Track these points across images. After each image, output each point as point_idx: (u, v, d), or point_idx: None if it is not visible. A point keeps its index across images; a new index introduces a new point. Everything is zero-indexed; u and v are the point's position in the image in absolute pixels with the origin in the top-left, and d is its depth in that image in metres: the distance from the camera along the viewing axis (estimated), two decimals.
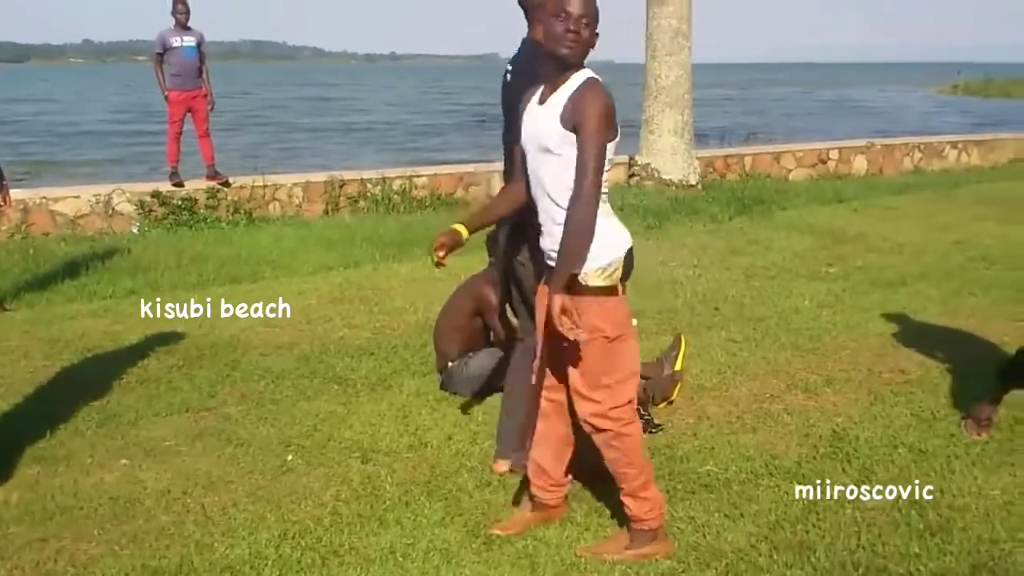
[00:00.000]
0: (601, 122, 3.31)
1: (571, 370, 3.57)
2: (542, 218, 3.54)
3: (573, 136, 3.35)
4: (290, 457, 4.51)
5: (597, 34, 3.46)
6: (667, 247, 9.18)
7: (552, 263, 3.46)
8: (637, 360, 3.67)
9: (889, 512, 3.96)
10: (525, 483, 3.96)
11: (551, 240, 3.48)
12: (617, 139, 3.43)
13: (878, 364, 5.83)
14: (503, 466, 4.33)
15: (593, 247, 3.38)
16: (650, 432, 4.78)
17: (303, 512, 3.97)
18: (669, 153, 12.42)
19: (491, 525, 3.84)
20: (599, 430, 3.57)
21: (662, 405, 5.07)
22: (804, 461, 4.46)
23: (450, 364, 5.30)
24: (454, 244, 3.72)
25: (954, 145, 16.94)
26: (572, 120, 3.35)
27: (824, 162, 15.26)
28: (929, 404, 5.14)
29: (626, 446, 3.59)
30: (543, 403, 3.76)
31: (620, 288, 3.50)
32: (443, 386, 5.35)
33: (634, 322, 3.63)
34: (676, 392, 5.14)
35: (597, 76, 3.45)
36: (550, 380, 3.71)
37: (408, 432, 4.78)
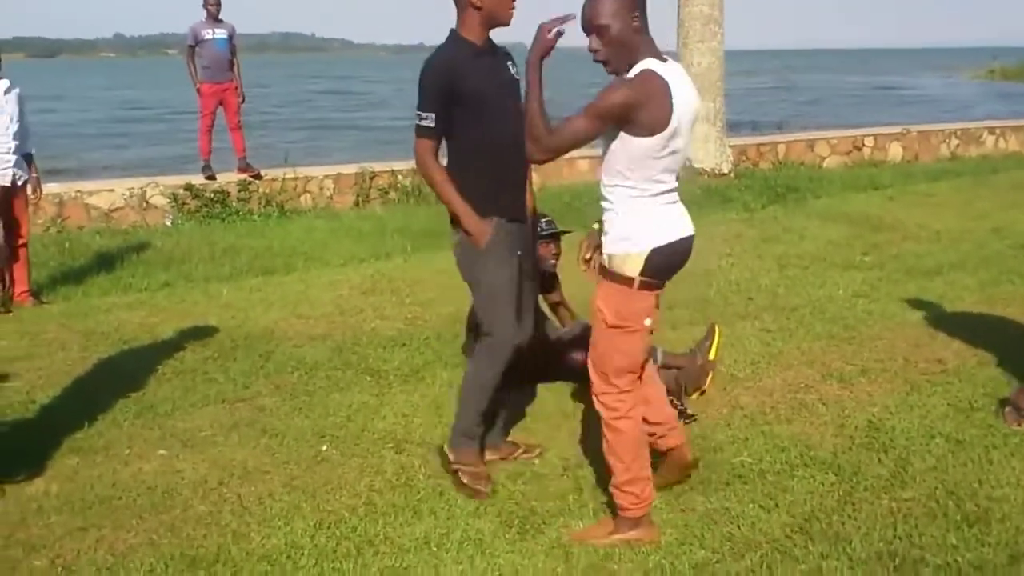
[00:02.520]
0: (603, 98, 3.32)
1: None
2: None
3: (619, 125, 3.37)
4: (324, 447, 4.54)
5: (609, 26, 3.37)
6: (700, 236, 8.83)
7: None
8: (636, 358, 3.65)
9: (926, 503, 3.92)
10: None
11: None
12: (668, 129, 3.36)
13: (914, 354, 5.77)
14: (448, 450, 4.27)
15: (620, 231, 3.45)
16: (684, 422, 4.75)
17: (338, 502, 3.99)
18: (701, 141, 12.34)
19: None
20: (600, 412, 3.66)
21: (695, 395, 5.05)
22: (840, 452, 4.42)
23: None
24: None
25: (991, 131, 16.69)
26: None
27: (859, 149, 15.09)
28: (966, 394, 5.08)
29: (614, 438, 3.63)
30: None
31: (636, 282, 3.49)
32: None
33: (648, 322, 3.60)
34: (709, 382, 5.12)
35: (648, 69, 3.36)
36: None
37: (441, 423, 4.78)
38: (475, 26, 3.94)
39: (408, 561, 3.52)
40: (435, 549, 3.60)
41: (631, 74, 3.38)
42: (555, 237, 5.34)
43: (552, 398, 5.13)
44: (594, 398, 3.66)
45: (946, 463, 4.28)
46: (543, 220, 5.14)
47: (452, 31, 3.99)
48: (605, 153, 3.49)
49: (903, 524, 3.75)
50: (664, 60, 3.43)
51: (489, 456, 4.31)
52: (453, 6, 3.96)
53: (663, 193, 3.50)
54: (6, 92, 6.87)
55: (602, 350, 3.59)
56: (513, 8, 3.97)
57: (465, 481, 4.09)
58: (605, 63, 3.44)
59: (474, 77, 3.91)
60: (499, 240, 3.99)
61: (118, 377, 5.45)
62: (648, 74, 3.35)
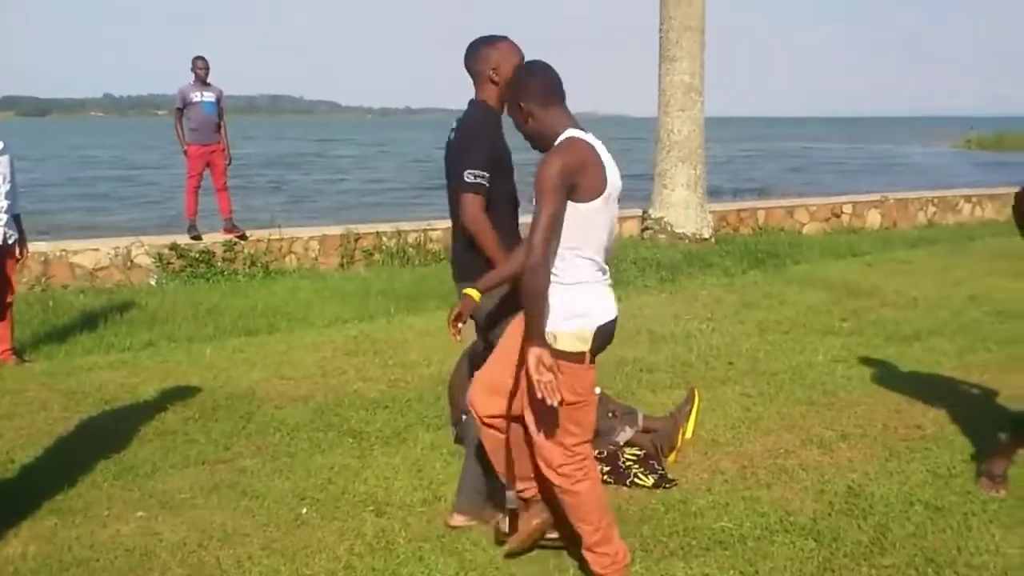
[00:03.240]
0: (545, 180, 3.37)
1: (531, 420, 3.64)
2: None
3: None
4: (304, 510, 4.52)
5: (520, 107, 3.64)
6: (680, 300, 9.20)
7: None
8: (592, 424, 3.72)
9: (905, 570, 3.93)
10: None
11: None
12: (605, 192, 3.49)
13: (893, 419, 5.80)
14: (458, 520, 4.33)
15: (566, 310, 3.47)
16: (664, 487, 4.77)
17: (317, 566, 3.97)
18: (682, 207, 12.49)
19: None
20: (551, 483, 3.66)
21: (673, 458, 5.04)
22: (819, 517, 4.43)
23: (464, 417, 5.29)
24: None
25: (968, 199, 16.97)
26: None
27: (838, 216, 15.30)
28: (945, 460, 5.11)
29: (576, 502, 3.66)
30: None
31: (588, 357, 3.54)
32: (457, 439, 5.34)
33: (597, 390, 3.76)
34: (680, 439, 5.10)
35: (574, 136, 3.54)
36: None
37: (422, 486, 4.78)
38: (494, 96, 4.21)
39: None
40: None
41: (556, 143, 3.54)
42: None
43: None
44: (550, 473, 3.65)
45: (925, 530, 4.29)
46: None
47: (480, 100, 4.26)
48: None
49: None
50: (584, 130, 3.59)
51: (459, 520, 4.33)
52: (464, 77, 4.30)
53: (604, 271, 3.62)
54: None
55: (560, 426, 3.59)
56: None
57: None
58: (530, 140, 3.70)
59: (503, 142, 4.24)
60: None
61: (99, 437, 5.42)
62: (574, 139, 3.52)
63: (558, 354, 3.44)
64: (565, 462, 3.62)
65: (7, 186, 6.94)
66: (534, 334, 3.36)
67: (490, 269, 4.08)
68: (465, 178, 4.06)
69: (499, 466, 3.93)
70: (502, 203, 4.23)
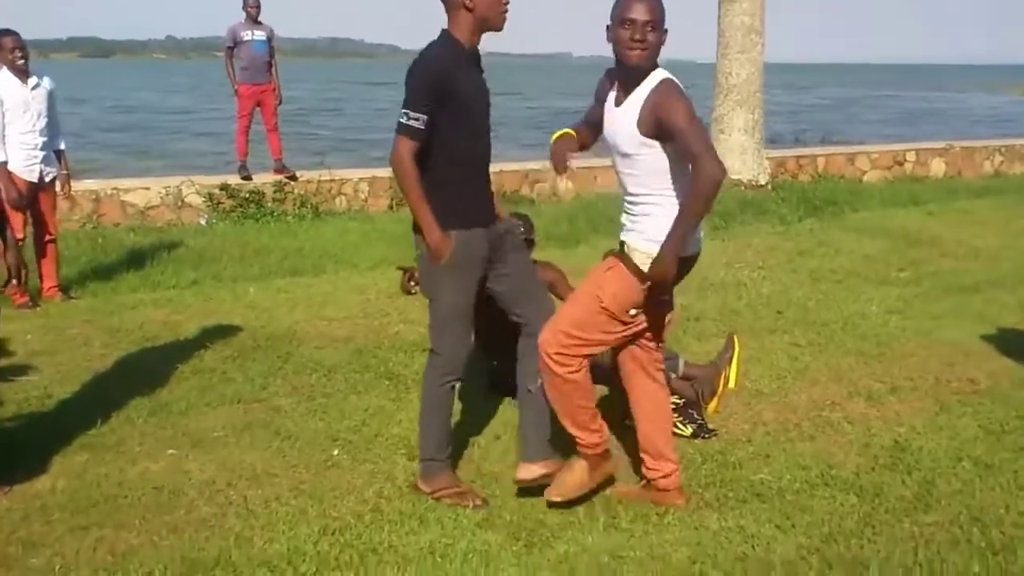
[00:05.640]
0: (689, 113, 3.47)
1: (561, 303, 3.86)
2: (624, 205, 3.80)
3: (650, 141, 3.55)
4: (336, 452, 4.49)
5: (666, 31, 3.58)
6: (733, 248, 9.01)
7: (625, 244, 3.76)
8: (608, 340, 3.80)
9: (949, 528, 3.80)
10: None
11: (625, 228, 3.78)
12: None
13: (946, 373, 5.63)
14: (530, 471, 4.03)
15: (655, 230, 3.59)
16: (703, 437, 4.66)
17: (345, 508, 3.94)
18: (738, 152, 12.21)
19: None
20: (548, 366, 3.71)
21: (713, 406, 4.86)
22: (862, 472, 4.31)
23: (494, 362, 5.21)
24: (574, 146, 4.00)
25: None
26: (654, 127, 3.53)
27: (900, 164, 14.90)
28: (998, 416, 4.94)
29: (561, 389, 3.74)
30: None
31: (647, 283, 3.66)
32: (493, 384, 5.26)
33: (632, 312, 3.73)
34: (722, 385, 4.94)
35: (671, 76, 3.57)
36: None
37: (456, 430, 4.70)
38: (466, 29, 3.80)
39: (411, 571, 3.46)
40: (439, 560, 3.53)
41: (652, 85, 3.57)
42: (529, 243, 5.24)
43: None
44: (548, 357, 3.68)
45: (973, 487, 4.16)
46: (518, 224, 5.03)
47: (444, 31, 3.85)
48: (626, 165, 3.70)
49: (924, 550, 3.63)
50: None
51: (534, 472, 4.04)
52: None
53: None
54: (34, 88, 6.91)
55: (584, 321, 3.69)
56: (506, 12, 3.85)
57: (450, 503, 3.97)
58: (640, 57, 3.55)
59: (463, 83, 3.80)
60: (461, 259, 3.85)
61: (137, 374, 5.44)
62: (672, 82, 3.58)
63: (628, 263, 3.66)
64: (569, 343, 3.68)
65: (43, 121, 6.93)
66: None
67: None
68: (399, 118, 3.71)
69: (568, 410, 3.83)
70: (449, 159, 3.82)
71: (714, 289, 7.45)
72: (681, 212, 3.53)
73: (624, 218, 3.80)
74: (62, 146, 7.25)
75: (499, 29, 3.87)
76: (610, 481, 4.08)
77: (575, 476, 3.86)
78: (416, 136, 3.71)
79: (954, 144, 15.82)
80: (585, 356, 3.72)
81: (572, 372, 3.69)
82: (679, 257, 3.58)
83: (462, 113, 3.79)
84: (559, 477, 3.87)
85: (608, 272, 3.72)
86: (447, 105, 3.73)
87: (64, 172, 7.25)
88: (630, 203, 3.74)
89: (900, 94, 61.35)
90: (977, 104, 49.30)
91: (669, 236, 3.53)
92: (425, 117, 3.69)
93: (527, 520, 3.84)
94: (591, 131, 4.00)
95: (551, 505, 3.88)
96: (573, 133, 3.98)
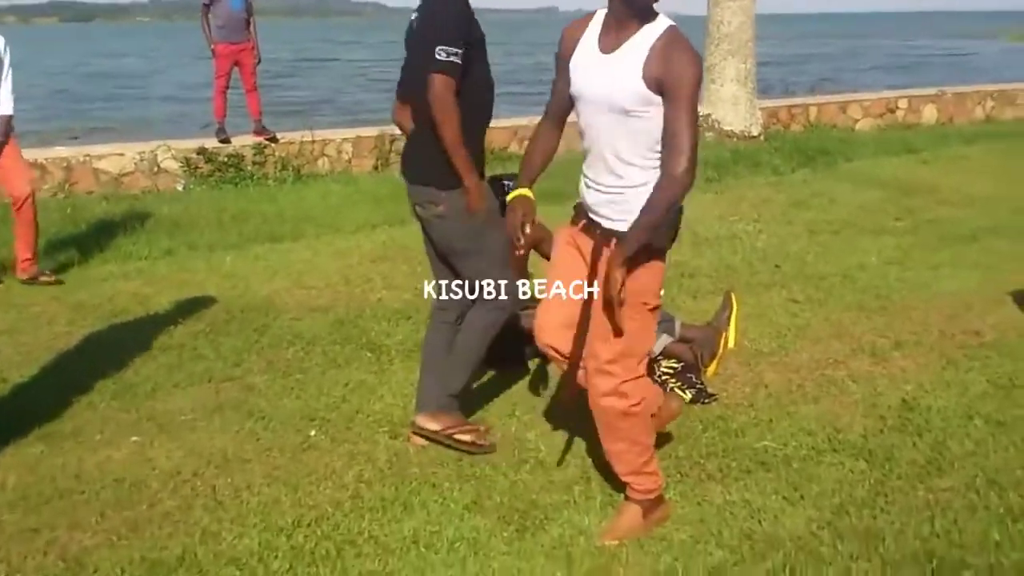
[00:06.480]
0: (697, 87, 2.97)
1: (599, 334, 3.19)
2: (602, 176, 3.22)
3: (655, 97, 3.00)
4: (313, 433, 4.21)
5: None
6: (726, 201, 8.76)
7: (597, 218, 3.25)
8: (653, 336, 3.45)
9: (965, 493, 3.61)
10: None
11: (610, 203, 3.21)
12: None
13: (950, 325, 5.43)
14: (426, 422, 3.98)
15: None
16: (703, 402, 4.44)
17: (321, 495, 3.67)
18: (731, 103, 12.00)
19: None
20: (614, 408, 3.23)
21: (713, 368, 4.61)
22: (871, 435, 4.11)
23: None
24: (532, 213, 3.38)
25: None
26: (661, 79, 2.97)
27: (892, 111, 14.69)
28: (1007, 369, 4.77)
29: (631, 426, 3.28)
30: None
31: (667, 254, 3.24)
32: None
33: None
34: (722, 347, 4.69)
35: (675, 24, 3.06)
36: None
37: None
38: None
39: (392, 565, 3.20)
40: (423, 550, 3.28)
41: (658, 31, 3.03)
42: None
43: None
44: (610, 396, 3.19)
45: (986, 447, 3.98)
46: (508, 182, 4.78)
47: None
48: (592, 132, 3.24)
49: (941, 519, 3.44)
50: None
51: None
52: None
53: None
54: None
55: (641, 336, 3.23)
56: None
57: (469, 439, 3.91)
58: None
59: (478, 25, 3.67)
60: (491, 201, 3.81)
61: (101, 354, 5.11)
62: (681, 33, 3.06)
63: (648, 251, 3.10)
64: (629, 377, 3.20)
65: None
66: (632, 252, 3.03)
67: (450, 168, 3.62)
68: (436, 55, 3.46)
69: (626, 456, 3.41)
70: (470, 103, 3.61)
71: (708, 244, 7.19)
72: (645, 222, 3.02)
73: (601, 198, 3.24)
74: (8, 112, 6.69)
75: None
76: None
77: (626, 520, 3.40)
78: (454, 72, 3.52)
79: (945, 90, 15.61)
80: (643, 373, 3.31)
81: (635, 405, 3.23)
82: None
83: (480, 57, 3.66)
84: (614, 521, 3.43)
85: (632, 273, 3.06)
86: (473, 45, 3.59)
87: (12, 137, 6.71)
88: (616, 175, 3.17)
89: (904, 42, 60.84)
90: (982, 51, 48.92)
91: (629, 241, 3.03)
92: (461, 51, 3.50)
93: (519, 501, 3.60)
94: (559, 127, 3.52)
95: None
96: (530, 195, 3.41)
